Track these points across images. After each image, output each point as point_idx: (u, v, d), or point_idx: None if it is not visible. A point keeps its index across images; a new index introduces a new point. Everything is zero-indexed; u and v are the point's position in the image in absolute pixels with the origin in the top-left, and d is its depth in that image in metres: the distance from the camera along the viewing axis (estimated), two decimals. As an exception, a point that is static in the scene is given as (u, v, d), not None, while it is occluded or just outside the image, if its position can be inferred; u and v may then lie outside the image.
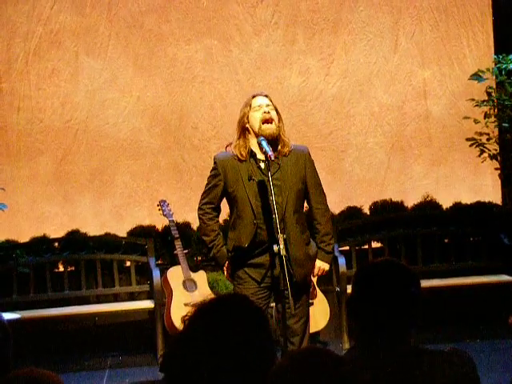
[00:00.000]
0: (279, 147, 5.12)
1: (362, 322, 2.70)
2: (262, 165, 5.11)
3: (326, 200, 5.36)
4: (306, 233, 5.27)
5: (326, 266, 5.32)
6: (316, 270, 5.29)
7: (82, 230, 8.18)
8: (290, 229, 5.07)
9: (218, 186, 5.20)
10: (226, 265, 5.27)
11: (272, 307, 5.40)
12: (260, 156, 5.12)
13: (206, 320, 2.16)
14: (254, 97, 5.20)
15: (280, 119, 5.19)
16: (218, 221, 5.31)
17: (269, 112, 5.10)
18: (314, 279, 7.15)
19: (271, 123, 5.10)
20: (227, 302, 2.22)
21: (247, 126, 5.13)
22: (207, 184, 5.29)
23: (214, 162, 5.25)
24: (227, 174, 5.16)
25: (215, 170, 5.23)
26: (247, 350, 2.12)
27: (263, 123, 5.08)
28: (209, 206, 5.26)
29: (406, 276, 2.70)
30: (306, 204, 5.35)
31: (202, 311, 2.19)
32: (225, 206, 5.38)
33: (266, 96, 5.21)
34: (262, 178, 5.09)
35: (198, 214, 5.30)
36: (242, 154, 5.12)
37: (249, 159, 5.13)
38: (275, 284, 5.08)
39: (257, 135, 5.09)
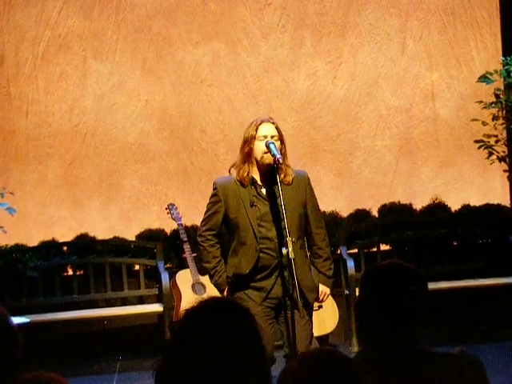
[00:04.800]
0: (282, 176, 5.03)
1: (368, 325, 2.70)
2: (264, 191, 5.08)
3: (324, 224, 5.33)
4: (308, 258, 5.24)
5: (328, 291, 5.31)
6: (321, 295, 5.28)
7: (91, 234, 8.19)
8: (295, 253, 4.92)
9: (219, 213, 5.13)
10: (226, 290, 5.22)
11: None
12: (260, 183, 5.09)
13: (194, 324, 2.15)
14: (261, 123, 5.08)
15: (283, 147, 5.12)
16: (219, 247, 5.21)
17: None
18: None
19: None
20: (214, 304, 2.21)
21: (252, 152, 5.07)
22: (207, 210, 5.21)
23: (215, 188, 5.17)
24: (228, 200, 5.09)
25: (216, 197, 5.15)
26: (237, 351, 2.11)
27: (265, 153, 5.04)
28: (210, 232, 5.17)
29: (411, 278, 2.70)
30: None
31: (189, 316, 2.18)
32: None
33: (273, 123, 5.10)
34: (263, 205, 5.05)
35: (199, 241, 5.22)
36: (245, 179, 5.07)
37: (250, 186, 5.09)
38: (280, 304, 5.07)
39: (258, 164, 5.06)
